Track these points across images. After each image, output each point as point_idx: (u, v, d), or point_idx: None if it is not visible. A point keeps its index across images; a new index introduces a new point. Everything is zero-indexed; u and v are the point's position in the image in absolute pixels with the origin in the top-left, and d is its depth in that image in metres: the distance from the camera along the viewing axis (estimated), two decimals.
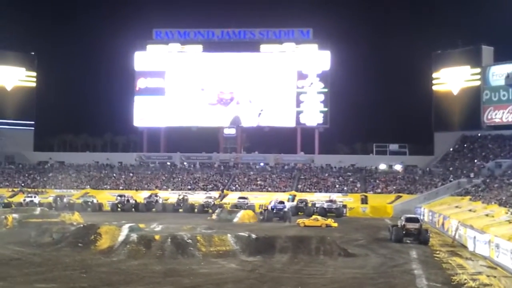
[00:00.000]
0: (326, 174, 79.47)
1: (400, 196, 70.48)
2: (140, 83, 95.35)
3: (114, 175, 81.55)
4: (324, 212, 58.79)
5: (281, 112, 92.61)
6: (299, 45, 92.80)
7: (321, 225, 49.01)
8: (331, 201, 63.11)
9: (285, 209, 56.54)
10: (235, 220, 52.12)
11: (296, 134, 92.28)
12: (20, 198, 69.26)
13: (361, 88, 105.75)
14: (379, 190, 73.77)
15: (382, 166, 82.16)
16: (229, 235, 33.51)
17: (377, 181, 76.31)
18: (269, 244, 33.07)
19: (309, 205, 63.01)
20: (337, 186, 75.55)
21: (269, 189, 75.66)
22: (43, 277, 25.22)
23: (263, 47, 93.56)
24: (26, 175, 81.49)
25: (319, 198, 67.19)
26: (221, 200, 68.83)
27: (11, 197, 70.90)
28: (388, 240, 40.18)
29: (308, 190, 74.75)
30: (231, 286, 24.10)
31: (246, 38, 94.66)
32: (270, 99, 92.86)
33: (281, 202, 59.18)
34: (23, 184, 77.99)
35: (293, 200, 68.19)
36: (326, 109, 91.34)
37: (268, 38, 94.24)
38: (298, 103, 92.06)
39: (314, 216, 53.46)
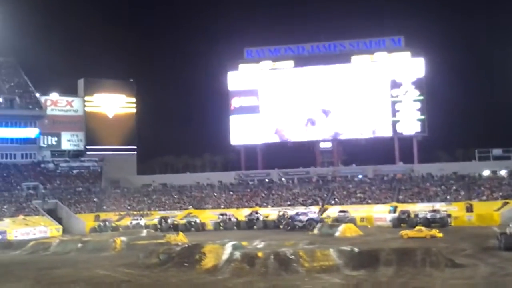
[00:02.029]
0: (428, 184, 77.52)
1: (507, 203, 67.66)
2: (235, 102, 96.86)
3: (215, 194, 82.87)
4: (428, 223, 57.29)
5: (377, 122, 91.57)
6: (391, 53, 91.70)
7: (425, 236, 47.83)
8: (434, 210, 61.47)
9: (307, 219, 60.85)
10: (337, 234, 51.72)
11: (394, 144, 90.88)
12: (126, 221, 71.58)
13: (458, 93, 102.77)
14: (484, 197, 71.19)
15: (486, 172, 79.36)
16: (331, 249, 33.27)
17: (482, 188, 73.68)
18: (373, 257, 32.50)
19: (412, 216, 61.66)
20: (439, 195, 73.53)
21: (369, 201, 74.61)
22: None
23: (354, 58, 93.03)
24: (131, 198, 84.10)
25: (421, 209, 65.51)
26: (321, 215, 68.47)
27: (118, 220, 73.34)
28: (497, 248, 38.63)
29: (409, 200, 73.16)
30: None
31: (336, 50, 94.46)
32: (365, 110, 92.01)
33: (304, 214, 63.29)
34: (129, 208, 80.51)
35: (394, 212, 66.95)
36: (423, 117, 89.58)
37: (359, 48, 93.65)
38: (394, 112, 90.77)
39: (417, 227, 52.21)
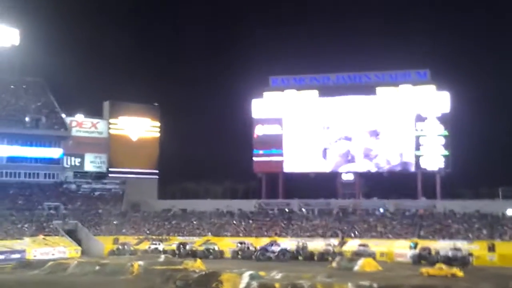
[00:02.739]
0: (450, 220, 76.46)
1: None
2: (258, 130, 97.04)
3: (235, 222, 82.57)
4: (449, 261, 56.45)
5: (400, 156, 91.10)
6: (416, 86, 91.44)
7: (446, 275, 47.13)
8: (456, 249, 60.58)
9: (280, 250, 63.60)
10: (356, 268, 51.16)
11: (417, 178, 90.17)
12: (145, 246, 71.52)
13: (483, 128, 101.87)
14: (507, 237, 69.89)
15: (510, 212, 78.15)
16: (349, 283, 33.03)
17: (505, 227, 72.47)
18: None
19: (433, 253, 60.82)
20: (461, 233, 72.39)
21: (390, 236, 73.68)
22: None
23: (379, 89, 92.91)
24: (151, 222, 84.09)
25: (442, 246, 64.56)
26: (341, 248, 67.83)
27: (136, 244, 73.30)
28: None
29: (430, 237, 72.09)
30: None
31: (362, 81, 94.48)
32: (388, 143, 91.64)
33: (276, 244, 66.24)
34: (148, 232, 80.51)
35: (415, 248, 66.05)
36: (447, 152, 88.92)
37: (384, 80, 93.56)
38: (418, 146, 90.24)
39: (438, 265, 51.49)
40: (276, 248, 65.01)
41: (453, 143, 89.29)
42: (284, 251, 64.26)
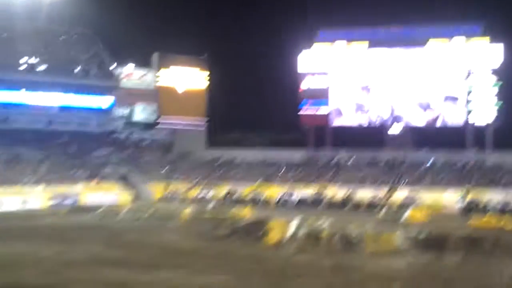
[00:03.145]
0: (500, 173, 75.70)
1: None
2: (305, 83, 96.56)
3: (282, 171, 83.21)
4: (499, 212, 56.12)
5: (449, 109, 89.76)
6: (468, 39, 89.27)
7: (494, 227, 46.88)
8: (505, 201, 60.11)
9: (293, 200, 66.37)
10: (403, 218, 51.28)
11: (467, 130, 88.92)
12: (194, 193, 72.88)
13: None
14: None
15: None
16: (397, 232, 33.16)
17: None
18: (439, 242, 32.10)
19: (482, 205, 60.48)
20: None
21: (438, 187, 73.33)
22: (218, 267, 26.49)
23: (430, 42, 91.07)
24: (200, 171, 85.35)
25: (492, 198, 64.13)
26: (388, 198, 67.91)
27: (186, 192, 74.66)
28: None
29: (480, 189, 71.50)
30: (400, 284, 23.79)
31: (413, 34, 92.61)
32: (438, 96, 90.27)
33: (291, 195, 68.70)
34: (196, 180, 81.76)
35: (464, 199, 65.72)
36: (499, 105, 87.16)
37: (436, 33, 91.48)
38: (468, 99, 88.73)
39: (487, 217, 51.24)
40: (295, 198, 67.49)
41: (505, 95, 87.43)
42: (302, 200, 66.83)
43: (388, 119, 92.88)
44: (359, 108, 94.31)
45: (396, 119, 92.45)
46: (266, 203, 68.04)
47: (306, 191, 72.41)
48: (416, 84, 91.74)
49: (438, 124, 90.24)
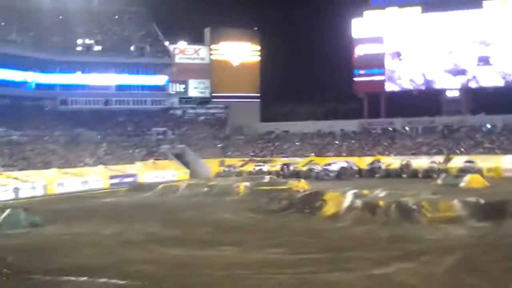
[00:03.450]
0: None
1: None
2: (359, 50, 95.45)
3: (337, 142, 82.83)
4: None
5: (508, 70, 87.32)
6: None
7: None
8: None
9: (340, 168, 65.23)
10: (462, 184, 50.36)
11: None
12: (250, 167, 73.25)
13: None
14: None
15: None
16: (455, 200, 32.55)
17: None
18: (499, 209, 31.27)
19: None
20: None
21: (497, 151, 71.66)
22: (274, 242, 26.58)
23: (485, 3, 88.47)
24: (255, 145, 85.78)
25: None
26: (446, 165, 66.82)
27: (242, 166, 75.15)
28: None
29: None
30: (460, 252, 23.39)
31: None
32: (496, 58, 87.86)
33: (334, 163, 67.70)
34: (252, 154, 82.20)
35: None
36: None
37: None
38: None
39: None
40: (335, 167, 66.12)
41: None
42: (343, 170, 65.55)
43: (444, 83, 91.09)
44: (414, 73, 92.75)
45: (453, 82, 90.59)
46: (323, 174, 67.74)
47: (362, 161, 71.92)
48: (473, 46, 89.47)
49: (495, 85, 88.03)
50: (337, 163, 67.78)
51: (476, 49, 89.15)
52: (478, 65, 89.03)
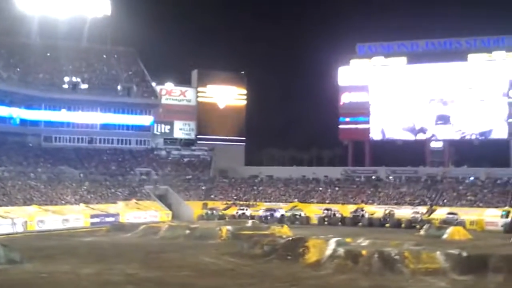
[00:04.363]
0: None
1: None
2: (344, 98, 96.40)
3: (321, 189, 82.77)
4: None
5: (491, 123, 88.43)
6: (510, 52, 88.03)
7: None
8: None
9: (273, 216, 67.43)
10: (445, 236, 50.33)
11: (509, 146, 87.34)
12: (233, 211, 72.87)
13: None
14: None
15: None
16: (438, 252, 32.46)
17: None
18: (481, 262, 31.24)
19: None
20: None
21: (480, 204, 71.94)
22: None
23: (470, 56, 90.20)
24: (238, 188, 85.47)
25: None
26: (429, 216, 66.91)
27: (225, 209, 74.74)
28: None
29: None
30: None
31: (452, 48, 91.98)
32: (479, 111, 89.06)
33: (271, 210, 70.78)
34: (235, 197, 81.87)
35: (506, 217, 64.30)
36: None
37: (476, 47, 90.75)
38: (511, 113, 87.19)
39: None
40: (276, 214, 68.94)
41: None
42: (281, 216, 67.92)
43: (427, 134, 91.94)
44: (399, 122, 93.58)
45: (439, 134, 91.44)
46: (305, 220, 67.65)
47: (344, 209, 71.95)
48: (457, 98, 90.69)
49: (479, 137, 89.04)
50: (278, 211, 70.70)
51: (461, 101, 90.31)
52: (462, 117, 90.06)
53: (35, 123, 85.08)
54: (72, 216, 61.98)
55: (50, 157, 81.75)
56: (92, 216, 63.98)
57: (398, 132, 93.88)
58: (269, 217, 67.21)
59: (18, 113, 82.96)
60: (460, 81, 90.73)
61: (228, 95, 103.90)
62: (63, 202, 67.22)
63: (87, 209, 66.47)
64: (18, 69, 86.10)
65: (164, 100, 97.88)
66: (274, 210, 70.82)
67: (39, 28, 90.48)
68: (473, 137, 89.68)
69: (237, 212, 70.71)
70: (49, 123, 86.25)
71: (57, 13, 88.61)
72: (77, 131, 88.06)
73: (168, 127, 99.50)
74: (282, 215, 68.74)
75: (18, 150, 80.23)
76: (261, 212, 70.18)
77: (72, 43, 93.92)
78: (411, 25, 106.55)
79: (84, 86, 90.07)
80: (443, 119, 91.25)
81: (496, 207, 69.77)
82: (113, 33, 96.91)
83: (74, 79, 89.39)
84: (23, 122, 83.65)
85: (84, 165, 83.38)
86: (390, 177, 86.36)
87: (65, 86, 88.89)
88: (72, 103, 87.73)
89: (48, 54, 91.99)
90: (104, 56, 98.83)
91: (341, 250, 33.24)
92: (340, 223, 66.18)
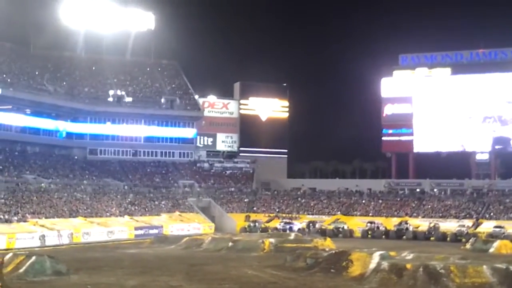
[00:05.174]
0: None
1: None
2: (387, 109, 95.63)
3: (364, 201, 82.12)
4: None
5: None
6: None
7: None
8: None
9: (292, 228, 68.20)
10: (491, 250, 49.33)
11: None
12: (275, 223, 72.80)
13: None
14: None
15: None
16: (485, 266, 31.78)
17: None
18: None
19: None
20: None
21: None
22: None
23: None
24: (281, 201, 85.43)
25: None
26: (475, 229, 65.75)
27: (267, 222, 74.74)
28: None
29: None
30: None
31: (497, 58, 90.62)
32: None
33: (289, 223, 71.21)
34: (278, 210, 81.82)
35: None
36: None
37: None
38: None
39: None
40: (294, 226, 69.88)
41: None
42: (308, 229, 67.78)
43: (473, 145, 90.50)
44: (443, 134, 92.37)
45: (485, 144, 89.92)
46: (348, 233, 67.12)
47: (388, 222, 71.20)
48: (501, 109, 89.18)
49: None
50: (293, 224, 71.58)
51: (507, 111, 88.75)
52: (505, 129, 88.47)
53: (80, 136, 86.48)
54: (117, 228, 62.73)
55: (95, 169, 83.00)
56: (136, 228, 64.67)
57: (442, 144, 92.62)
58: (287, 230, 66.95)
59: (64, 126, 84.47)
60: (505, 92, 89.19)
61: (270, 107, 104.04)
62: (108, 214, 68.12)
63: (131, 221, 67.23)
64: (64, 83, 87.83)
65: (206, 113, 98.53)
66: (292, 223, 71.90)
67: (84, 43, 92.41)
68: None
69: (280, 225, 70.61)
70: (94, 136, 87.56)
71: (102, 28, 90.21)
72: (121, 143, 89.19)
73: (210, 139, 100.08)
74: (299, 229, 68.64)
75: (64, 163, 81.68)
76: (278, 225, 70.42)
77: (116, 57, 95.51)
78: (454, 35, 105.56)
79: (128, 99, 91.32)
80: (489, 130, 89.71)
81: None
82: (156, 46, 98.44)
83: (118, 92, 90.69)
84: (69, 135, 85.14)
85: (128, 177, 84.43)
86: (435, 190, 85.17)
87: (110, 99, 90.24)
88: (117, 116, 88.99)
89: (93, 68, 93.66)
90: (148, 69, 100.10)
91: (385, 264, 32.79)
92: (383, 236, 65.53)
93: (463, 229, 63.69)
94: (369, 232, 66.72)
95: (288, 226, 69.34)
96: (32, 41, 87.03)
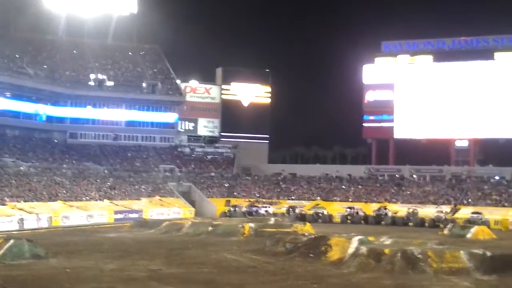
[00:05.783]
0: None
1: None
2: (369, 96, 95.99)
3: (344, 187, 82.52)
4: None
5: None
6: None
7: None
8: None
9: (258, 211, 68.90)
10: (468, 236, 49.82)
11: None
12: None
13: None
14: None
15: None
16: (462, 251, 32.10)
17: None
18: (506, 262, 30.91)
19: None
20: None
21: (506, 204, 71.13)
22: (277, 285, 26.28)
23: (497, 55, 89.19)
24: (261, 186, 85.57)
25: None
26: (453, 215, 66.35)
27: (248, 207, 74.79)
28: None
29: None
30: None
31: (478, 46, 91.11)
32: (506, 109, 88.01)
33: (255, 206, 71.87)
34: (258, 195, 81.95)
35: None
36: None
37: (503, 45, 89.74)
38: None
39: None
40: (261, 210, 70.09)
41: None
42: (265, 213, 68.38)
43: (452, 133, 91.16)
44: (424, 121, 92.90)
45: (464, 131, 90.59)
46: (327, 218, 67.44)
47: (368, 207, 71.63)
48: (484, 96, 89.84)
49: (506, 136, 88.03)
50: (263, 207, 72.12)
51: (487, 100, 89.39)
52: (488, 116, 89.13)
53: (61, 119, 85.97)
54: (96, 212, 62.55)
55: (75, 153, 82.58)
56: (116, 212, 64.50)
57: (422, 131, 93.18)
58: (254, 214, 67.76)
59: (45, 109, 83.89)
60: (486, 80, 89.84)
61: (252, 93, 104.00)
62: (87, 198, 67.87)
63: (111, 205, 67.02)
64: (45, 66, 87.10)
65: (188, 98, 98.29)
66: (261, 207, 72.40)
67: (66, 26, 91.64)
68: (499, 136, 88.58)
69: (260, 209, 70.83)
70: (74, 120, 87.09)
71: (84, 11, 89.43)
72: (102, 127, 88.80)
73: (192, 124, 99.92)
74: (266, 211, 69.96)
75: (44, 147, 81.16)
76: (244, 209, 71.00)
77: (98, 40, 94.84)
78: (436, 23, 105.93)
79: (109, 83, 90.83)
80: (468, 117, 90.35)
81: None
82: (139, 30, 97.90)
83: (99, 76, 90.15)
84: (49, 118, 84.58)
85: (108, 161, 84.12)
86: (414, 176, 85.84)
87: (91, 83, 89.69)
88: (98, 100, 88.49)
89: (75, 52, 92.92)
90: (130, 53, 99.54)
91: (363, 249, 33.01)
92: (363, 222, 65.87)
93: (441, 214, 64.22)
94: (349, 217, 67.05)
95: (254, 209, 70.14)
96: (13, 23, 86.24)
